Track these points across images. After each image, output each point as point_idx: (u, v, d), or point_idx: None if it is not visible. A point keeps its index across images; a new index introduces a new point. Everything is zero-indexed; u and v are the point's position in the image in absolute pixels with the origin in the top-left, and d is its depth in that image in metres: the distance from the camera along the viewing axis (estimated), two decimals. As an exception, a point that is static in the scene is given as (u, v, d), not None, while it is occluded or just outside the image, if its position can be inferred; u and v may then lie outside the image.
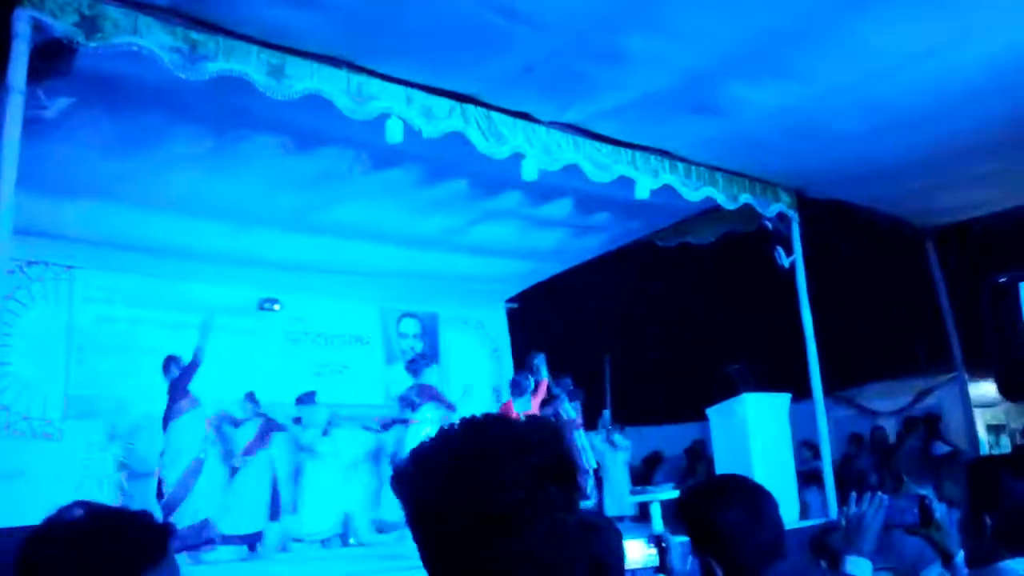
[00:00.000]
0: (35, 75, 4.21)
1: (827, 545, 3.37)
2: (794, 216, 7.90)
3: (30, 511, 1.18)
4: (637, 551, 2.09)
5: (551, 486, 0.94)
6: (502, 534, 0.91)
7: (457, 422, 1.02)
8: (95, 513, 1.15)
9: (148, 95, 5.30)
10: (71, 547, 1.09)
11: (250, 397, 8.25)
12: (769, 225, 7.84)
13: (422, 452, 1.00)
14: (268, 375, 9.23)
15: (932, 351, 10.33)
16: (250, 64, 4.80)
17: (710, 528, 1.77)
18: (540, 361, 8.06)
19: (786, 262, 7.83)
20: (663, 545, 2.15)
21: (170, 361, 7.40)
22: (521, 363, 10.88)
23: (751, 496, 1.81)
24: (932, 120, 6.31)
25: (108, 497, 8.01)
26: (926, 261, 9.57)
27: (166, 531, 1.20)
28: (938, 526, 2.06)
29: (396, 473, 1.01)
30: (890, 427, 10.39)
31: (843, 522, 2.03)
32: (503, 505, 0.91)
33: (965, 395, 9.59)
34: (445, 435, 1.01)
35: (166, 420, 7.18)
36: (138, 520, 1.18)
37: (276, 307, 9.64)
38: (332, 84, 5.11)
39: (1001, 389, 8.38)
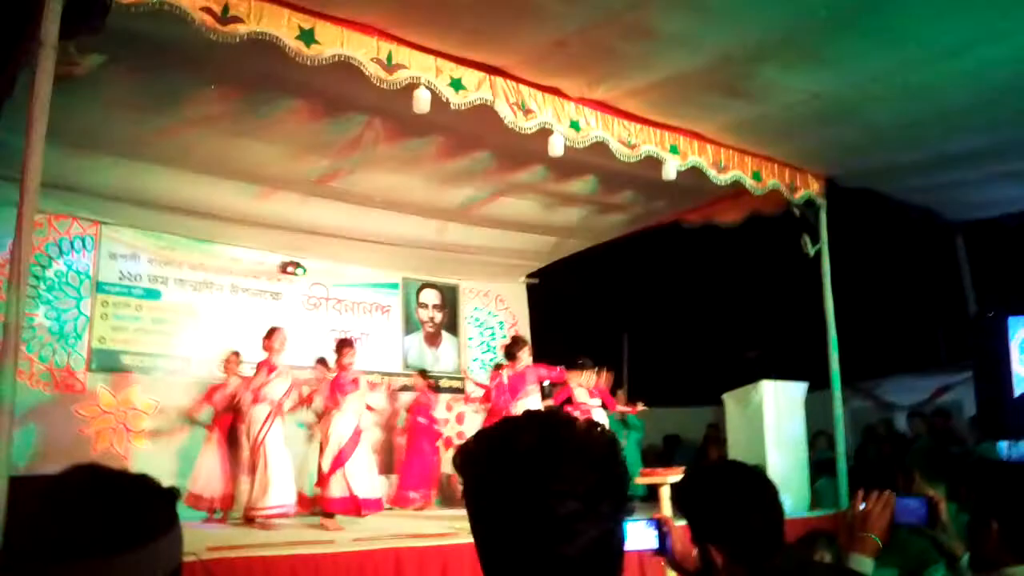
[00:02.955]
0: (68, 31, 4.23)
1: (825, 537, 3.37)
2: (822, 204, 7.80)
3: (51, 460, 1.18)
4: (637, 534, 2.09)
5: (605, 501, 1.00)
6: (554, 539, 0.97)
7: (528, 416, 1.07)
8: (102, 479, 1.15)
9: (178, 55, 5.30)
10: (74, 515, 1.09)
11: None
12: (796, 211, 7.76)
13: (492, 440, 1.06)
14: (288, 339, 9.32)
15: (954, 347, 10.23)
16: (281, 28, 4.79)
17: (709, 514, 1.77)
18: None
19: (811, 250, 7.75)
20: (663, 529, 2.15)
21: None
22: (538, 337, 10.93)
23: (750, 483, 1.80)
24: (969, 113, 6.18)
25: (126, 451, 8.16)
26: (954, 256, 9.43)
27: (173, 503, 1.19)
28: (944, 527, 2.05)
29: (462, 452, 1.07)
30: (902, 422, 10.33)
31: (848, 518, 2.02)
32: (560, 514, 0.97)
33: (976, 416, 9.47)
34: (512, 429, 1.05)
35: None
36: (146, 488, 1.17)
37: (298, 271, 9.71)
38: (362, 51, 5.10)
39: (980, 423, 8.32)
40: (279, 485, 6.94)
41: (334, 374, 7.53)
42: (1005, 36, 5.20)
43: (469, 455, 1.05)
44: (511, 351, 7.95)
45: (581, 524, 0.97)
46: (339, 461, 7.08)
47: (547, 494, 0.97)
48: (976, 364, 8.43)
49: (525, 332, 11.60)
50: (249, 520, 6.98)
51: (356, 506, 7.06)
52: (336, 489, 7.05)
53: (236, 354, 8.15)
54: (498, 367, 9.92)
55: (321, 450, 7.33)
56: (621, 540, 1.04)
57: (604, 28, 5.16)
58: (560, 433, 1.03)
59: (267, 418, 7.12)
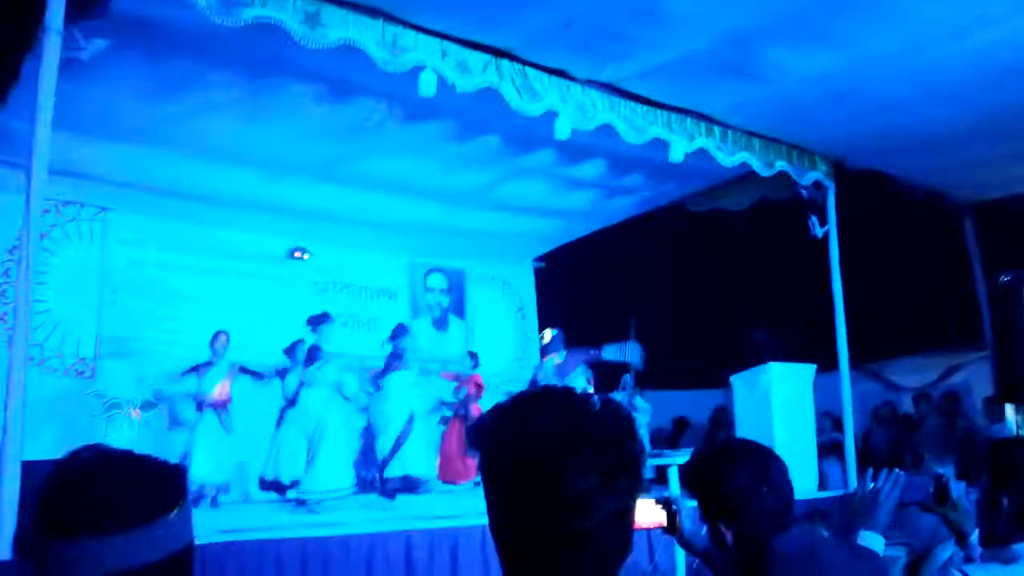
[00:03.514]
0: (72, 16, 4.23)
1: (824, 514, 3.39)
2: (830, 185, 7.78)
3: (61, 445, 1.19)
4: (646, 512, 2.10)
5: (621, 478, 1.00)
6: (571, 515, 0.97)
7: (544, 392, 1.07)
8: (108, 458, 1.16)
9: (184, 40, 5.30)
10: (83, 492, 1.10)
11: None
12: (804, 193, 7.73)
13: (507, 416, 1.05)
14: (295, 324, 9.36)
15: (963, 328, 10.19)
16: (286, 11, 4.77)
17: (717, 493, 1.77)
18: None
19: (819, 232, 7.73)
20: (673, 508, 2.16)
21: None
22: (545, 321, 10.94)
23: (759, 460, 1.80)
24: (979, 93, 6.14)
25: (136, 434, 8.21)
26: (963, 236, 9.39)
27: (182, 479, 1.20)
28: (954, 505, 2.05)
29: (479, 427, 1.07)
30: (910, 403, 10.31)
31: (857, 496, 2.03)
32: (577, 491, 0.97)
33: (994, 374, 9.44)
34: (532, 405, 1.05)
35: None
36: (153, 465, 1.18)
37: (305, 256, 9.72)
38: (367, 34, 5.08)
39: (999, 392, 8.30)
40: (336, 468, 7.00)
41: None
42: (1013, 15, 5.16)
43: (485, 431, 1.05)
44: (550, 346, 8.10)
45: (599, 499, 0.98)
46: (399, 443, 7.26)
47: (566, 470, 0.97)
48: (992, 329, 8.41)
49: (532, 316, 11.64)
50: (301, 503, 6.99)
51: (413, 485, 7.21)
52: (397, 469, 7.22)
53: (224, 334, 8.03)
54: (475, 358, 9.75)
55: (376, 432, 7.49)
56: (635, 515, 1.04)
57: (610, 8, 5.13)
58: (578, 409, 1.03)
59: (324, 401, 7.19)
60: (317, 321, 7.52)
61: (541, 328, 11.39)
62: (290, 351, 8.14)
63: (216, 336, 7.98)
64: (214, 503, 7.49)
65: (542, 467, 0.98)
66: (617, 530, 1.01)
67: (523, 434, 1.01)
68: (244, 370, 8.11)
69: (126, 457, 1.17)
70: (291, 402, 7.91)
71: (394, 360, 7.69)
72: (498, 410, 1.07)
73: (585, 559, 0.99)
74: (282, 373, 8.09)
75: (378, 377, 7.75)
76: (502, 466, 1.03)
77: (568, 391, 1.08)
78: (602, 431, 1.01)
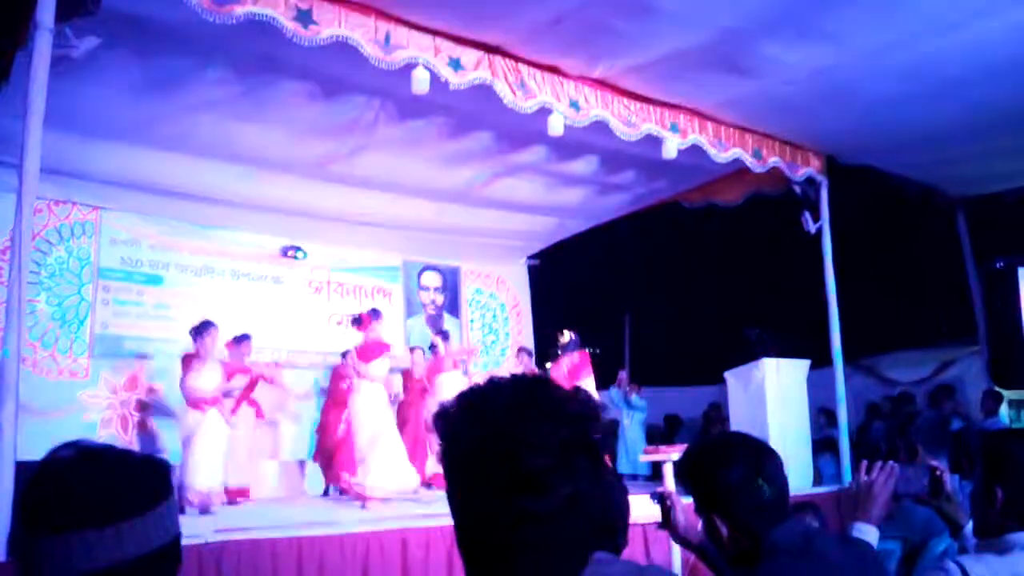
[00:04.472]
0: (63, 13, 4.21)
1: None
2: (823, 181, 7.80)
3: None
4: (642, 507, 2.10)
5: (579, 458, 0.99)
6: (524, 493, 0.96)
7: (509, 376, 1.08)
8: (90, 453, 1.15)
9: (176, 38, 5.28)
10: (62, 489, 1.10)
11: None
12: (798, 189, 7.75)
13: (469, 397, 1.06)
14: (289, 323, 9.36)
15: (956, 323, 10.23)
16: (278, 8, 4.76)
17: (712, 486, 1.77)
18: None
19: (812, 227, 7.75)
20: (668, 503, 2.16)
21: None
22: (539, 319, 10.96)
23: (753, 453, 1.80)
24: (970, 87, 6.15)
25: (131, 437, 8.18)
26: (955, 231, 9.42)
27: (166, 472, 1.20)
28: (949, 497, 2.06)
29: (441, 410, 1.07)
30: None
31: (851, 489, 2.04)
32: (531, 468, 0.96)
33: (988, 368, 9.48)
34: (494, 386, 1.06)
35: None
36: (136, 460, 1.18)
37: (299, 255, 9.70)
38: (359, 31, 5.07)
39: (993, 376, 8.36)
40: (400, 465, 6.99)
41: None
42: (1005, 9, 5.17)
43: (446, 414, 1.05)
44: (567, 347, 8.22)
45: (554, 479, 0.96)
46: None
47: (522, 444, 0.97)
48: (985, 315, 8.48)
49: (527, 314, 11.63)
50: (363, 499, 6.92)
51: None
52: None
53: (214, 327, 7.52)
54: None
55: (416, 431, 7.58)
56: (602, 507, 1.03)
57: (601, 4, 5.13)
58: (536, 390, 1.03)
59: (376, 399, 7.17)
60: (367, 319, 7.43)
61: (536, 326, 11.43)
62: (234, 343, 8.06)
63: (206, 328, 7.37)
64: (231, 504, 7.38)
65: (499, 441, 0.98)
66: (573, 516, 0.98)
67: (483, 409, 1.02)
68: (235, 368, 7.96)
69: (108, 452, 1.16)
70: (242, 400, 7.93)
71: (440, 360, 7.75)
72: (462, 393, 1.08)
73: (541, 549, 0.97)
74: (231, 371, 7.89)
75: (429, 377, 7.79)
76: (461, 443, 1.03)
77: (534, 376, 1.09)
78: (561, 409, 1.01)
